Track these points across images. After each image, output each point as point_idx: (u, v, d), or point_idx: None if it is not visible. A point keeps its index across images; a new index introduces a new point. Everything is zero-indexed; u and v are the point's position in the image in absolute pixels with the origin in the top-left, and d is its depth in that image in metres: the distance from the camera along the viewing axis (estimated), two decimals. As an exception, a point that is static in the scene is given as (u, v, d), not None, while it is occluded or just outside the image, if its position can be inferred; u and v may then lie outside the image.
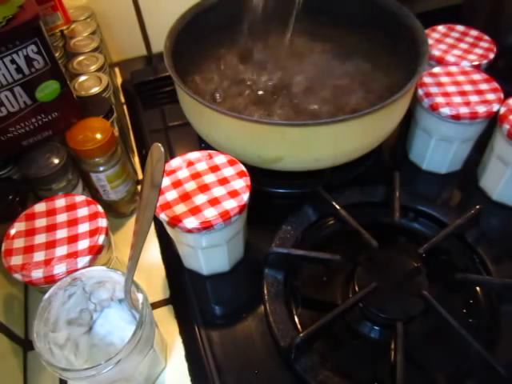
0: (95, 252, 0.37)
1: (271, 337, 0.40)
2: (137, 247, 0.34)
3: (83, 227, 0.39)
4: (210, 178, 0.42)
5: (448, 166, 0.54)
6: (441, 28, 0.61)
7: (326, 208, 0.48)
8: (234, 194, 0.40)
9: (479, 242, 0.45)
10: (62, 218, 0.40)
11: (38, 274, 0.36)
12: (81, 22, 0.61)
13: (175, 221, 0.38)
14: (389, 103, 0.42)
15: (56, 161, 0.43)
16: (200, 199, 0.40)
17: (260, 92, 0.54)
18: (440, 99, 0.49)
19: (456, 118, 0.48)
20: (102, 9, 0.67)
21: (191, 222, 0.38)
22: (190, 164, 0.43)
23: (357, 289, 0.40)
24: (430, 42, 0.58)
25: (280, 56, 0.59)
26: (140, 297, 0.34)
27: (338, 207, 0.47)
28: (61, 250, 0.37)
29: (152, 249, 0.50)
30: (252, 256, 0.48)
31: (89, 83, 0.50)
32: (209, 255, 0.43)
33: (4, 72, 0.38)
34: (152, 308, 0.38)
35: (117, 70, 0.73)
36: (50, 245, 0.38)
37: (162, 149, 0.33)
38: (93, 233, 0.38)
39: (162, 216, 0.39)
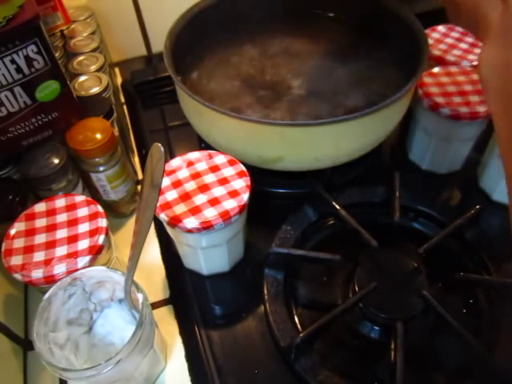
0: (95, 252, 0.37)
1: (271, 337, 0.41)
2: (137, 247, 0.34)
3: (83, 227, 0.39)
4: (210, 178, 0.42)
5: (448, 166, 0.54)
6: (441, 28, 0.61)
7: (326, 208, 0.48)
8: (234, 194, 0.40)
9: (479, 241, 0.45)
10: (62, 217, 0.40)
11: (37, 274, 0.36)
12: (81, 22, 0.61)
13: (175, 221, 0.38)
14: (389, 103, 0.42)
15: (56, 161, 0.43)
16: (200, 199, 0.40)
17: (260, 92, 0.54)
18: (440, 99, 0.49)
19: (456, 117, 0.48)
20: (102, 9, 0.67)
21: (191, 222, 0.38)
22: (190, 164, 0.43)
23: (357, 289, 0.40)
24: (430, 42, 0.58)
25: (280, 56, 0.59)
26: (140, 297, 0.34)
27: (338, 207, 0.47)
28: (61, 250, 0.37)
29: (152, 249, 0.50)
30: (252, 256, 0.48)
31: (89, 83, 0.50)
32: (209, 255, 0.43)
33: (4, 72, 0.38)
34: (152, 308, 0.38)
35: (117, 70, 0.73)
36: (50, 245, 0.38)
37: (162, 149, 0.33)
38: (93, 233, 0.38)
39: (162, 216, 0.39)
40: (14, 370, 0.40)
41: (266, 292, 0.42)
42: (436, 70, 0.53)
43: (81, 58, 0.54)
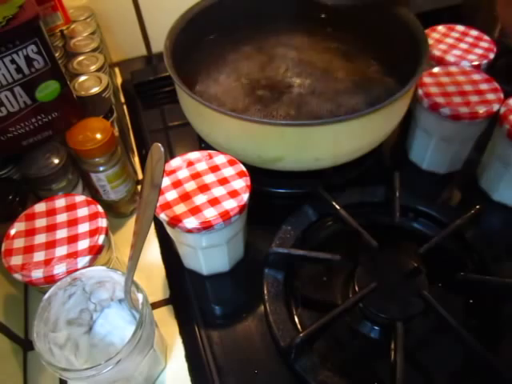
0: (95, 252, 0.37)
1: (271, 337, 0.40)
2: (137, 247, 0.34)
3: (83, 227, 0.39)
4: (209, 178, 0.42)
5: (448, 165, 0.54)
6: (441, 28, 0.61)
7: (325, 208, 0.48)
8: (233, 193, 0.40)
9: (479, 241, 0.45)
10: (62, 217, 0.40)
11: (37, 274, 0.36)
12: (81, 22, 0.61)
13: (175, 221, 0.38)
14: (389, 103, 0.42)
15: (56, 161, 0.43)
16: (200, 199, 0.40)
17: (260, 91, 0.54)
18: (440, 99, 0.49)
19: (456, 118, 0.48)
20: (102, 9, 0.67)
21: (191, 222, 0.38)
22: (190, 164, 0.43)
23: (357, 289, 0.40)
24: (430, 42, 0.58)
25: (280, 56, 0.59)
26: (140, 297, 0.34)
27: (338, 207, 0.47)
28: (61, 250, 0.37)
29: (152, 249, 0.50)
30: (252, 256, 0.48)
31: (89, 83, 0.50)
32: (209, 255, 0.43)
33: (4, 72, 0.38)
34: (152, 308, 0.38)
35: (117, 70, 0.73)
36: (50, 245, 0.38)
37: (162, 149, 0.33)
38: (93, 233, 0.38)
39: (162, 216, 0.39)
40: (14, 370, 0.40)
41: (265, 292, 0.42)
42: (436, 70, 0.53)
43: (81, 58, 0.54)
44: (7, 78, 0.39)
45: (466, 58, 0.56)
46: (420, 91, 0.50)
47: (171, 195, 0.40)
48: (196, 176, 0.42)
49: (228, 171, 0.42)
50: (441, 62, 0.56)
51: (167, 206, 0.39)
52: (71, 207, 0.40)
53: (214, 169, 0.42)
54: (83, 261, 0.36)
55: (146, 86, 0.67)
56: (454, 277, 0.42)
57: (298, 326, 0.41)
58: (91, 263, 0.37)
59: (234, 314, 0.44)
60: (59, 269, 0.36)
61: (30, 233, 0.38)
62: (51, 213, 0.40)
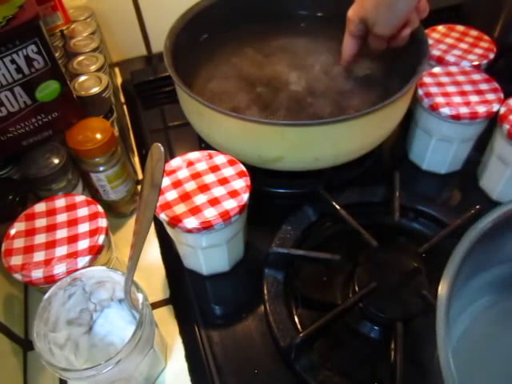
0: (95, 252, 0.37)
1: (271, 337, 0.41)
2: (137, 247, 0.34)
3: (83, 227, 0.39)
4: (209, 178, 0.42)
5: (448, 166, 0.54)
6: (441, 28, 0.61)
7: (325, 208, 0.48)
8: (233, 193, 0.40)
9: (479, 241, 0.45)
10: (62, 217, 0.40)
11: (37, 274, 0.36)
12: (81, 22, 0.61)
13: (175, 221, 0.38)
14: (389, 103, 0.42)
15: (56, 161, 0.43)
16: (200, 199, 0.40)
17: (260, 91, 0.54)
18: (440, 99, 0.49)
19: (456, 118, 0.48)
20: (102, 9, 0.67)
21: (191, 222, 0.38)
22: (190, 164, 0.43)
23: (357, 289, 0.40)
24: (430, 42, 0.58)
25: (281, 56, 0.59)
26: (140, 297, 0.34)
27: (338, 207, 0.47)
28: (61, 250, 0.37)
29: (152, 249, 0.50)
30: (252, 256, 0.48)
31: (89, 83, 0.50)
32: (209, 255, 0.43)
33: (4, 72, 0.38)
34: (152, 308, 0.38)
35: (117, 70, 0.73)
36: (50, 245, 0.38)
37: (162, 149, 0.33)
38: (93, 233, 0.38)
39: (162, 216, 0.39)
40: (14, 370, 0.40)
41: (265, 292, 0.42)
42: (436, 70, 0.53)
43: (81, 58, 0.54)
44: (7, 77, 0.39)
45: (466, 57, 0.56)
46: (420, 91, 0.50)
47: (171, 195, 0.40)
48: (196, 176, 0.42)
49: (228, 171, 0.42)
50: (441, 61, 0.56)
51: (167, 205, 0.39)
52: (71, 207, 0.40)
53: (214, 169, 0.42)
54: (83, 261, 0.36)
55: (146, 85, 0.67)
56: (453, 277, 0.42)
57: (298, 326, 0.41)
58: (91, 263, 0.37)
59: (233, 313, 0.44)
60: (59, 269, 0.36)
61: (30, 233, 0.38)
62: (51, 213, 0.40)
